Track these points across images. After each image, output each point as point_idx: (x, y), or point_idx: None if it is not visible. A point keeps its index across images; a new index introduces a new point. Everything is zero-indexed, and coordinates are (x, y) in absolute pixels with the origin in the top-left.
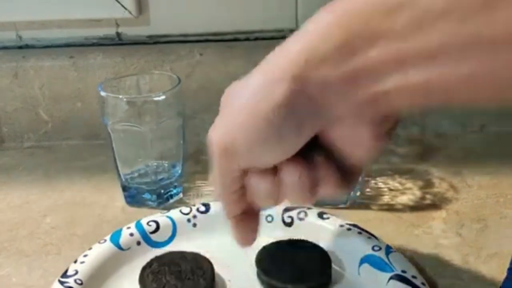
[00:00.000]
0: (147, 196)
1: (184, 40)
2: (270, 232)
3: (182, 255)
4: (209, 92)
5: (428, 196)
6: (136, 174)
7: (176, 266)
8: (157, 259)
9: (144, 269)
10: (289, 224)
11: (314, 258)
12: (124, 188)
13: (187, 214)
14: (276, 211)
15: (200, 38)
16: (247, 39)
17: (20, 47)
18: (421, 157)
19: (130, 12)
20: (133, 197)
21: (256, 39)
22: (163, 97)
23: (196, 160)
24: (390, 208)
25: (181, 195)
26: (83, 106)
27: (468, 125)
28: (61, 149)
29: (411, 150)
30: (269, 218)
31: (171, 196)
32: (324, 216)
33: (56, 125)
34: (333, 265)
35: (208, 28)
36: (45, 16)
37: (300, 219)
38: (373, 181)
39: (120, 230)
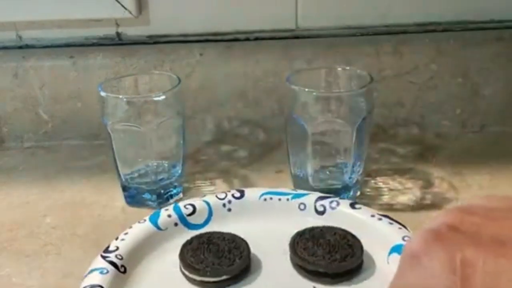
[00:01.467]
0: (147, 196)
1: (184, 40)
2: (302, 220)
3: (220, 235)
4: (209, 92)
5: (428, 196)
6: (136, 174)
7: (215, 245)
8: (196, 237)
9: (184, 246)
10: (321, 213)
11: (347, 244)
12: (124, 188)
13: (223, 199)
14: (309, 199)
15: (200, 38)
16: (247, 39)
17: (20, 47)
18: (421, 157)
19: (130, 12)
20: (133, 197)
21: (256, 39)
22: (163, 97)
23: (196, 160)
24: (390, 208)
25: (181, 195)
26: (83, 106)
27: (468, 125)
28: (61, 149)
29: (411, 150)
30: (302, 206)
31: (171, 196)
32: (356, 206)
33: (56, 125)
34: (365, 252)
35: (208, 28)
36: (45, 16)
37: (332, 208)
38: (373, 181)
39: (159, 211)
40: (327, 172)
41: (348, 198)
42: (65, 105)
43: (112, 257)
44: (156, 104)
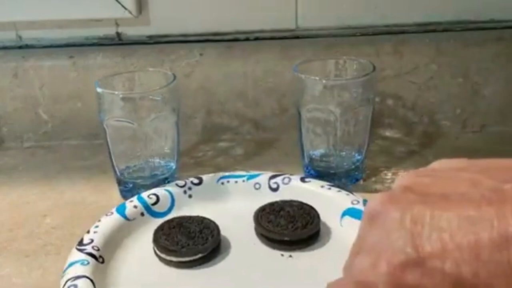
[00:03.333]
0: (141, 190)
1: (184, 40)
2: (258, 198)
3: (189, 218)
4: (209, 92)
5: None
6: (131, 170)
7: (185, 228)
8: (167, 222)
9: (156, 231)
10: (275, 189)
11: (304, 213)
12: (119, 183)
13: (183, 186)
14: (263, 179)
15: (200, 38)
16: (247, 39)
17: (20, 47)
18: (421, 157)
19: (130, 12)
20: (128, 191)
21: (256, 39)
22: (158, 93)
23: (191, 157)
24: None
25: None
26: (83, 106)
27: (468, 125)
28: (61, 149)
29: (411, 150)
30: (257, 186)
31: None
32: (306, 179)
33: (56, 125)
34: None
35: (208, 28)
36: (45, 16)
37: (285, 183)
38: (373, 178)
39: (124, 203)
40: (330, 158)
41: (351, 184)
42: (65, 105)
43: (89, 249)
44: (151, 100)
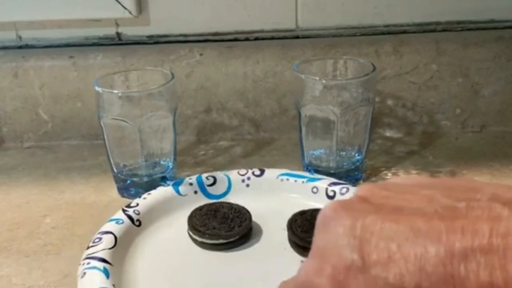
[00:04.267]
0: (138, 189)
1: (184, 40)
2: (312, 202)
3: (229, 205)
4: (209, 92)
5: None
6: (128, 168)
7: (221, 213)
8: (208, 205)
9: (194, 210)
10: (331, 197)
11: None
12: (117, 181)
13: (243, 175)
14: (322, 184)
15: (200, 38)
16: (247, 39)
17: (20, 47)
18: (421, 157)
19: (130, 12)
20: (125, 189)
21: (256, 39)
22: (155, 92)
23: (189, 155)
24: None
25: None
26: (83, 106)
27: (468, 125)
28: (61, 149)
29: (411, 150)
30: (315, 190)
31: None
32: None
33: (56, 125)
34: None
35: (208, 28)
36: (45, 16)
37: (342, 194)
38: (373, 179)
39: (183, 179)
40: (330, 158)
41: (350, 184)
42: (65, 105)
43: (130, 211)
44: (148, 99)
